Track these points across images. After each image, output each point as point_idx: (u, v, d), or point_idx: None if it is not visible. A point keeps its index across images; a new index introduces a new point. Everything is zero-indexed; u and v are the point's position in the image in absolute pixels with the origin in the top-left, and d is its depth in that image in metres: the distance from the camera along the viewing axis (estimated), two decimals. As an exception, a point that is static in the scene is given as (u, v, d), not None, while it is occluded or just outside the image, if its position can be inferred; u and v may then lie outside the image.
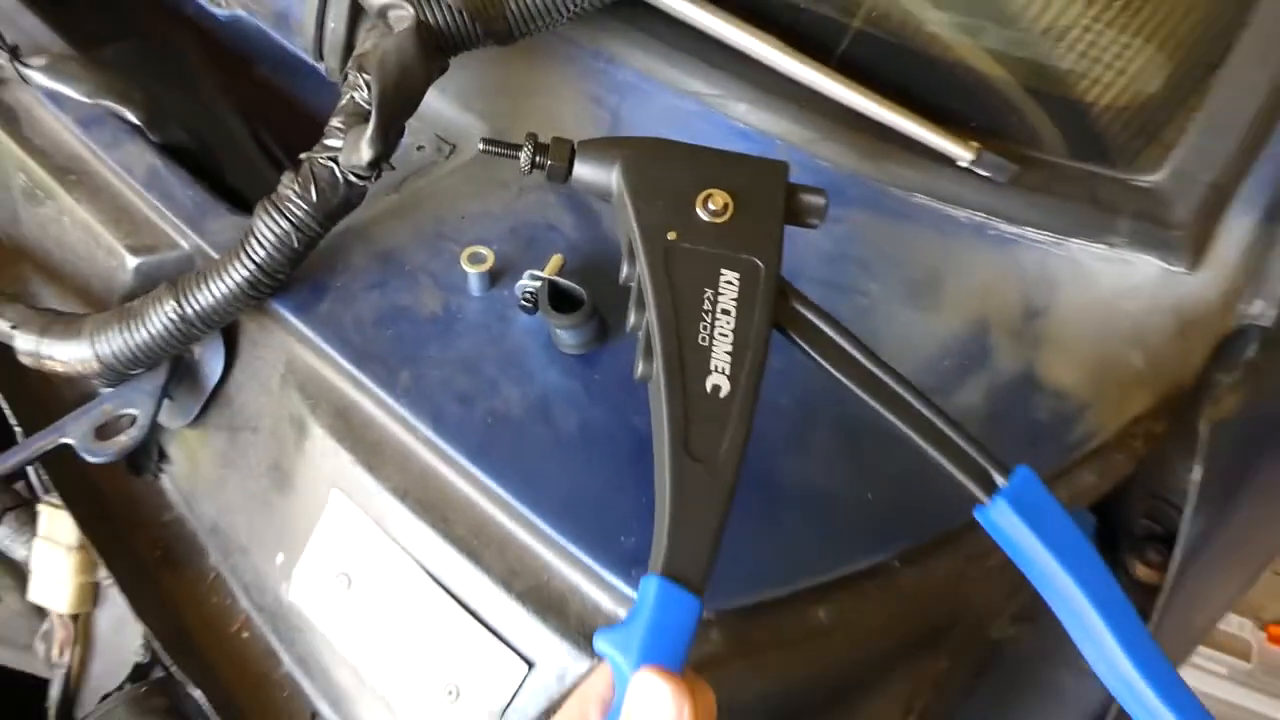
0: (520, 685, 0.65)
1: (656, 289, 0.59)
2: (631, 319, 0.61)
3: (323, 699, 0.74)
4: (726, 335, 0.58)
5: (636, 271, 0.61)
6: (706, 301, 0.59)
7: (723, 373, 0.57)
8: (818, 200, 0.63)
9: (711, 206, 0.61)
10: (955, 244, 0.76)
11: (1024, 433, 0.71)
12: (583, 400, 0.70)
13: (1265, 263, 0.75)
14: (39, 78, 0.87)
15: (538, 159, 0.65)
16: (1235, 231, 0.74)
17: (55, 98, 0.87)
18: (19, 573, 1.32)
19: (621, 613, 0.64)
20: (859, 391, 0.59)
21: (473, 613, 0.66)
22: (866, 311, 0.74)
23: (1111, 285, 0.75)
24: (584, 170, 0.64)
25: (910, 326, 0.74)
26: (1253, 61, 0.73)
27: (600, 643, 0.52)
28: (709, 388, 0.57)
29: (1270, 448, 0.87)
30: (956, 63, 0.75)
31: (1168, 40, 0.74)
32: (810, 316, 0.60)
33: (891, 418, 0.59)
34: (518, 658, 0.65)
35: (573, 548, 0.64)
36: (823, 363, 0.60)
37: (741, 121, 0.79)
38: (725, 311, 0.58)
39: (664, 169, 0.63)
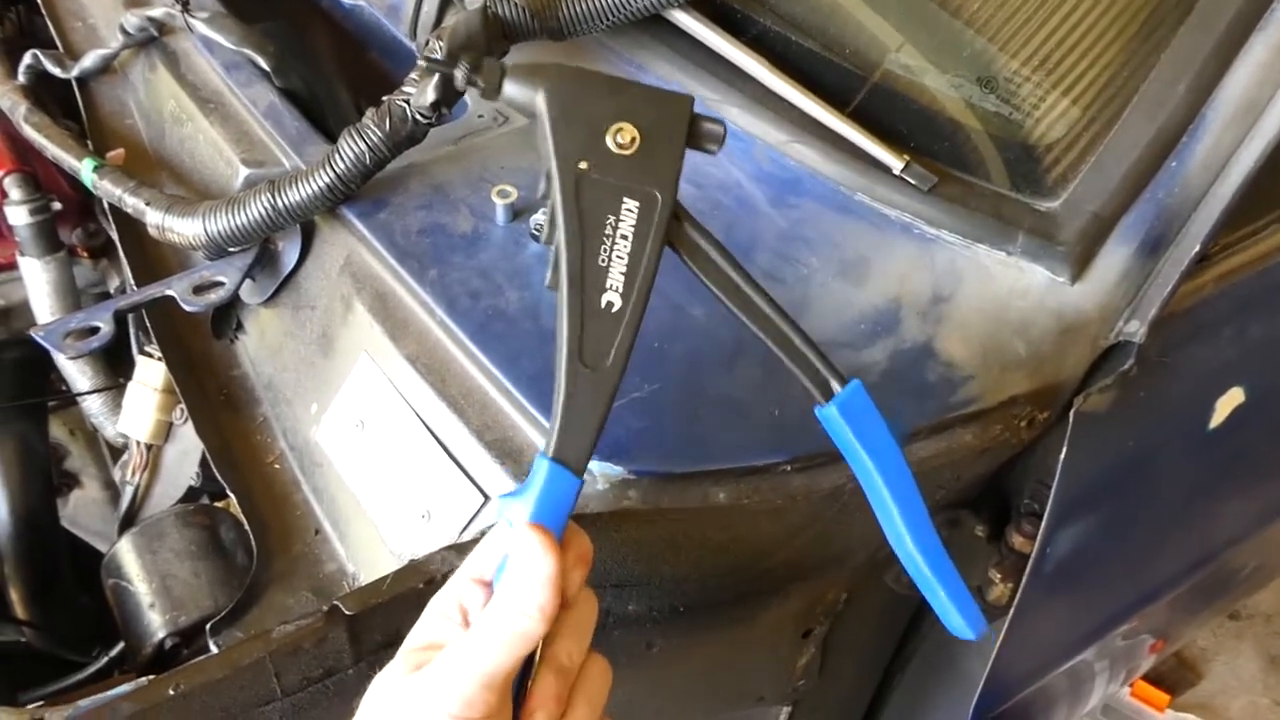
0: (477, 512, 0.83)
1: (566, 214, 0.66)
2: (544, 233, 0.72)
3: (326, 519, 0.93)
4: (623, 258, 0.66)
5: (550, 197, 0.69)
6: (609, 227, 0.66)
7: (616, 290, 0.66)
8: (716, 128, 0.71)
9: (620, 140, 0.68)
10: (884, 236, 0.94)
11: (914, 387, 0.88)
12: (565, 308, 0.88)
13: (1140, 289, 0.91)
14: (200, 26, 1.11)
15: (471, 77, 0.71)
16: (1114, 257, 0.91)
17: (209, 44, 1.11)
18: (102, 460, 1.54)
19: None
20: (730, 305, 0.71)
21: (450, 454, 0.85)
22: (806, 279, 0.92)
23: (1006, 285, 0.92)
24: (512, 90, 0.70)
25: (838, 295, 0.91)
26: (1143, 116, 0.90)
27: (499, 503, 0.66)
28: (604, 303, 0.66)
29: (1145, 460, 1.01)
30: (902, 93, 0.94)
31: (1075, 94, 0.92)
32: (698, 240, 0.70)
33: (754, 327, 0.71)
34: (478, 491, 0.83)
35: (535, 411, 0.82)
36: (703, 279, 0.71)
37: (732, 122, 0.98)
38: (624, 236, 0.67)
39: (582, 99, 0.69)
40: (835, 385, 0.71)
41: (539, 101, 0.69)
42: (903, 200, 0.94)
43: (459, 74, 0.72)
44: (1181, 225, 0.89)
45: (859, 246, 0.94)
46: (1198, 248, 0.87)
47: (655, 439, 0.82)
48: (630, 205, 0.67)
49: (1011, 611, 0.96)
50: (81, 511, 1.57)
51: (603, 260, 0.67)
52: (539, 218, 0.92)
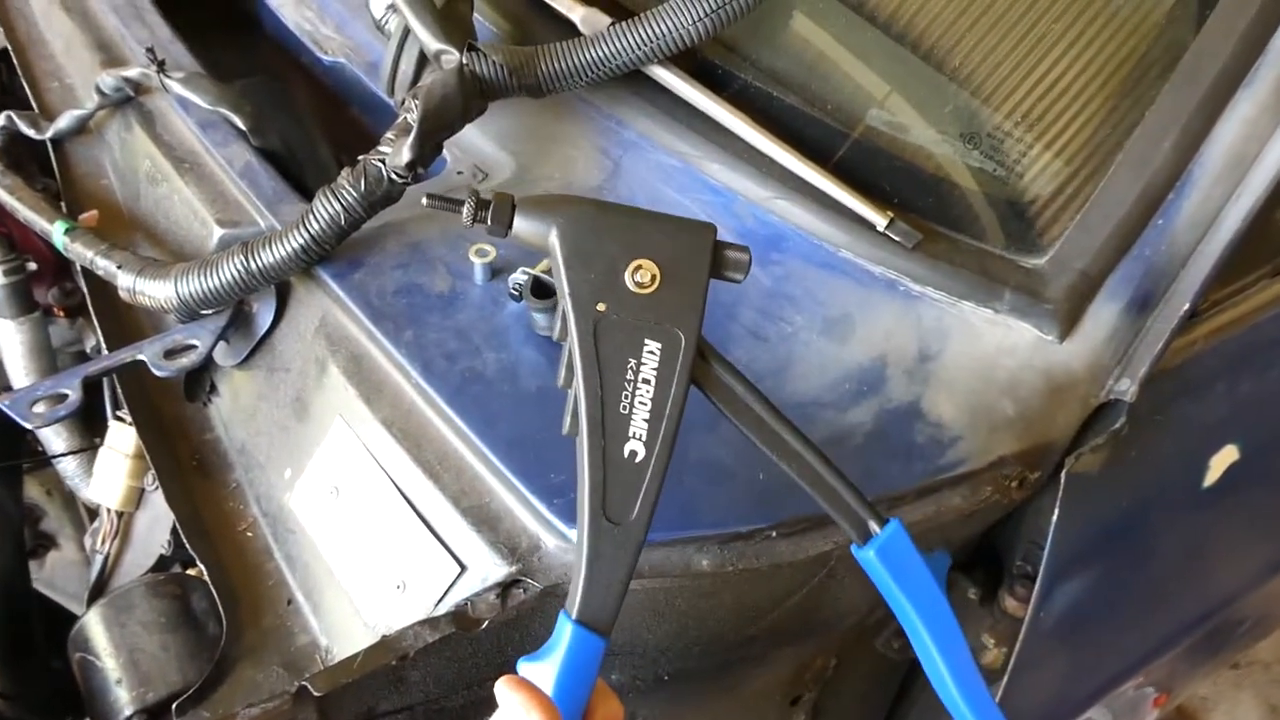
0: (453, 583, 0.81)
1: (584, 360, 0.64)
2: (562, 377, 0.67)
3: (299, 589, 0.91)
4: (645, 404, 0.64)
5: (567, 338, 0.65)
6: (630, 371, 0.64)
7: (639, 439, 0.63)
8: (741, 257, 0.68)
9: (639, 278, 0.65)
10: (869, 293, 0.93)
11: (902, 449, 0.86)
12: (545, 370, 0.87)
13: (1130, 346, 0.89)
14: (176, 87, 1.09)
15: (479, 214, 0.69)
16: (1102, 314, 0.89)
17: (184, 104, 1.10)
18: (79, 521, 1.51)
19: (542, 533, 0.79)
20: (760, 444, 0.68)
21: (426, 522, 0.82)
22: (790, 337, 0.90)
23: (994, 343, 0.90)
24: (523, 227, 0.68)
25: (822, 353, 0.90)
26: (1129, 174, 0.89)
27: (522, 668, 0.63)
28: (626, 453, 0.63)
29: (1140, 518, 0.99)
30: (886, 149, 0.93)
31: (1061, 151, 0.91)
32: (726, 378, 0.68)
33: (785, 466, 0.69)
34: (454, 561, 0.80)
35: (513, 477, 0.80)
36: (732, 419, 0.69)
37: (714, 179, 0.97)
38: (646, 381, 0.64)
39: (597, 236, 0.66)
40: (874, 526, 0.69)
41: (552, 239, 0.67)
42: (887, 257, 0.92)
43: (466, 210, 0.69)
44: (1170, 282, 0.88)
45: (843, 304, 0.92)
46: (1187, 305, 0.86)
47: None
48: (652, 347, 0.65)
49: (1006, 676, 0.93)
50: (59, 574, 1.54)
51: (624, 407, 0.64)
52: (518, 277, 0.90)
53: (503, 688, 0.62)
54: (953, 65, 0.95)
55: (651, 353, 0.64)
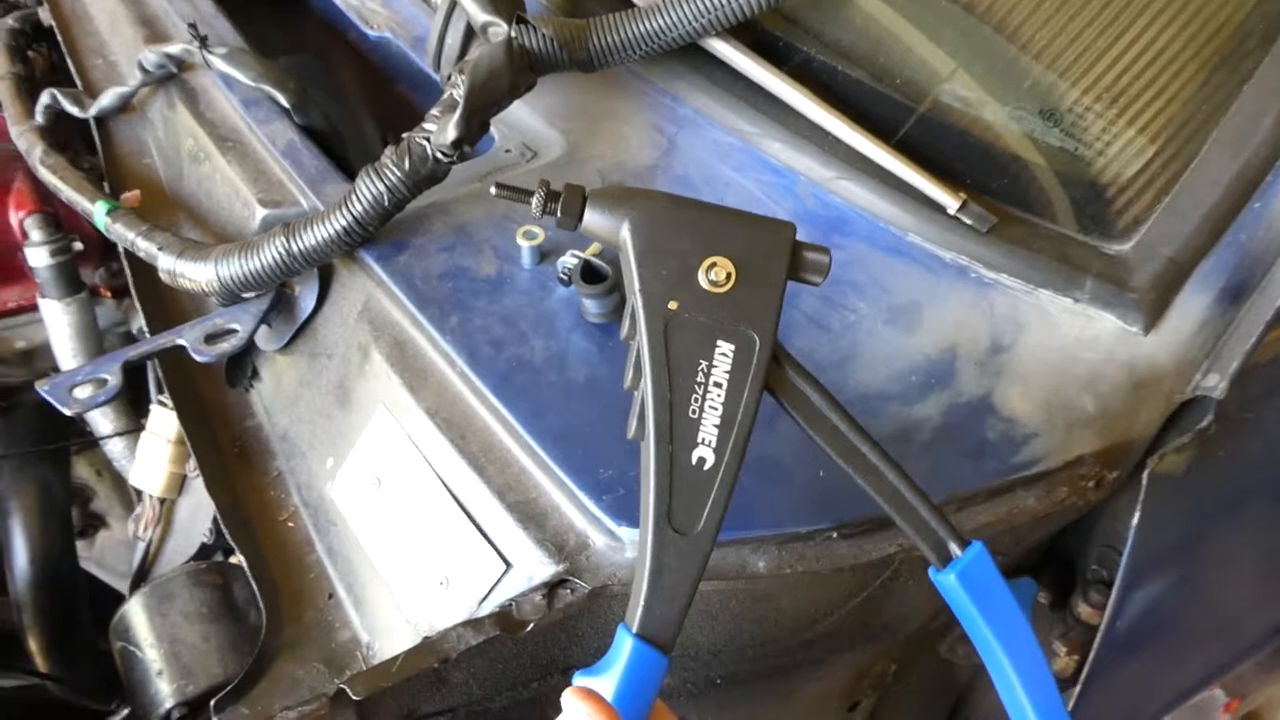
0: (498, 581, 0.77)
1: (654, 361, 0.61)
2: (629, 378, 0.64)
3: (340, 582, 0.88)
4: (716, 409, 0.61)
5: (636, 338, 0.63)
6: (700, 374, 0.61)
7: (709, 445, 0.60)
8: (821, 258, 0.65)
9: (714, 276, 0.62)
10: (938, 280, 0.87)
11: (972, 447, 0.81)
12: (595, 359, 0.83)
13: (1220, 339, 0.83)
14: (218, 63, 1.07)
15: (549, 205, 0.66)
16: (1191, 305, 0.83)
17: (228, 81, 1.07)
18: (129, 501, 1.51)
19: (591, 531, 0.76)
20: (835, 457, 0.64)
21: (470, 517, 0.79)
22: (853, 326, 0.85)
23: (1073, 335, 0.84)
24: (594, 220, 0.65)
25: (888, 343, 0.85)
26: (1223, 154, 0.83)
27: (579, 682, 0.60)
28: (695, 460, 0.60)
29: (1225, 522, 0.93)
30: (958, 127, 0.87)
31: (1148, 128, 0.84)
32: (801, 385, 0.64)
33: (865, 486, 0.64)
34: (499, 558, 0.77)
35: (560, 472, 0.76)
36: (806, 428, 0.65)
37: (774, 158, 0.92)
38: (717, 384, 0.61)
39: (671, 231, 0.63)
40: (955, 549, 0.64)
41: (624, 233, 0.64)
42: (958, 241, 0.87)
43: (535, 201, 0.66)
44: (1266, 270, 0.81)
45: (911, 291, 0.87)
46: (1285, 294, 0.79)
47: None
48: (725, 349, 0.61)
49: (1080, 685, 0.88)
50: (108, 554, 1.54)
51: (693, 411, 0.61)
52: (567, 260, 0.87)
53: (571, 698, 0.58)
54: (1029, 36, 0.89)
55: (724, 355, 0.61)
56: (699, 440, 0.60)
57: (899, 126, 0.89)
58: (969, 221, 0.85)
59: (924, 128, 0.89)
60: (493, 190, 0.69)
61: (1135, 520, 0.82)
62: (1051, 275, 0.85)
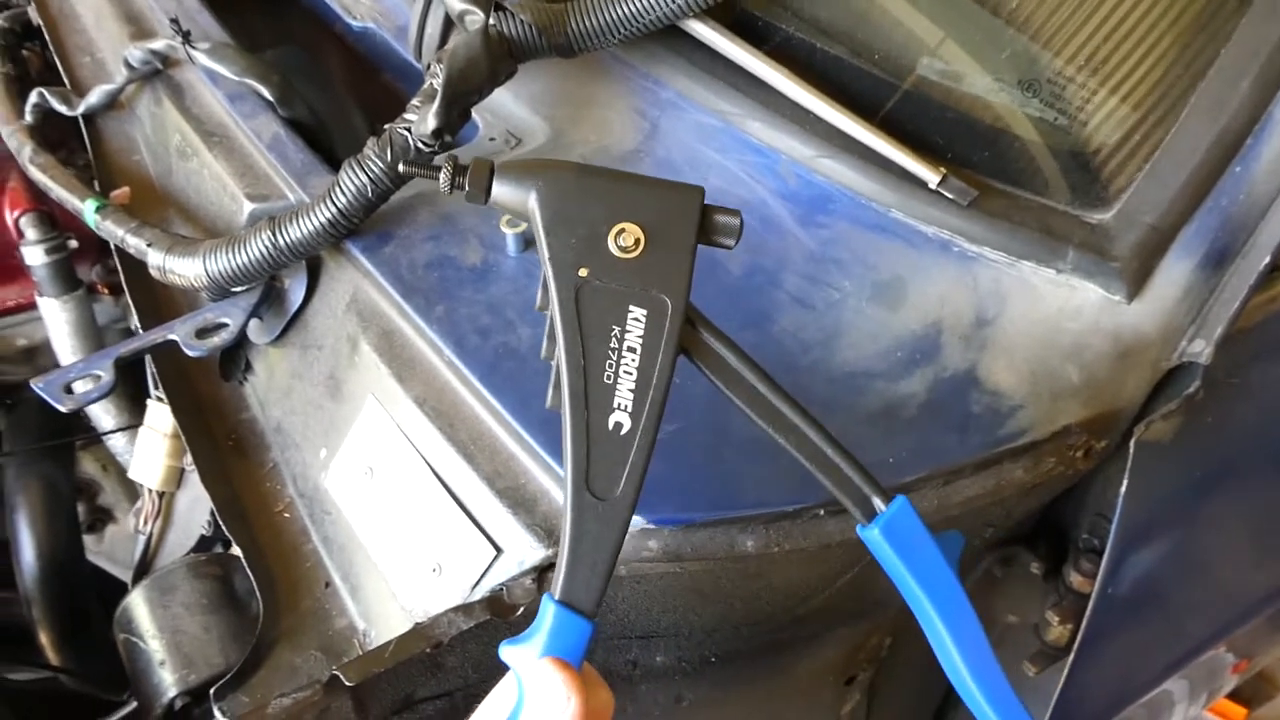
0: (489, 566, 0.78)
1: (566, 327, 0.61)
2: (544, 348, 0.64)
3: (336, 571, 0.89)
4: (631, 373, 0.61)
5: (548, 308, 0.63)
6: (614, 339, 0.61)
7: (625, 410, 0.61)
8: (731, 220, 0.64)
9: (623, 243, 0.62)
10: (921, 255, 0.87)
11: (958, 420, 0.81)
12: (579, 345, 0.83)
13: (1205, 305, 0.83)
14: (202, 58, 1.07)
15: (457, 180, 0.66)
16: (1174, 271, 0.83)
17: (212, 76, 1.07)
18: (134, 496, 1.52)
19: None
20: (754, 417, 0.65)
21: (461, 504, 0.80)
22: (837, 304, 0.86)
23: (1056, 305, 0.85)
24: (502, 192, 0.65)
25: (872, 320, 0.85)
26: (1203, 118, 0.83)
27: (504, 652, 0.61)
28: (611, 425, 0.61)
29: (1216, 487, 0.93)
30: (937, 100, 0.87)
31: (1127, 95, 0.84)
32: (716, 346, 0.64)
33: (784, 443, 0.65)
34: (490, 544, 0.78)
35: (549, 457, 0.77)
36: (723, 389, 0.65)
37: (755, 138, 0.92)
38: (631, 349, 0.61)
39: (579, 200, 0.63)
40: (878, 503, 0.65)
41: (531, 204, 0.64)
42: (940, 216, 0.87)
43: (443, 176, 0.66)
44: (1249, 234, 0.81)
45: (894, 267, 0.87)
46: (1268, 258, 0.79)
47: (676, 484, 0.76)
48: (637, 314, 0.62)
49: (1073, 654, 0.89)
50: (118, 547, 1.55)
51: (608, 377, 0.61)
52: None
53: (549, 667, 0.58)
54: (1007, 6, 0.88)
55: (637, 320, 0.62)
56: (615, 405, 0.61)
57: (880, 103, 0.89)
58: (950, 195, 0.85)
59: (904, 103, 0.89)
60: (399, 169, 0.69)
61: (1123, 488, 0.82)
62: (1034, 247, 0.85)
